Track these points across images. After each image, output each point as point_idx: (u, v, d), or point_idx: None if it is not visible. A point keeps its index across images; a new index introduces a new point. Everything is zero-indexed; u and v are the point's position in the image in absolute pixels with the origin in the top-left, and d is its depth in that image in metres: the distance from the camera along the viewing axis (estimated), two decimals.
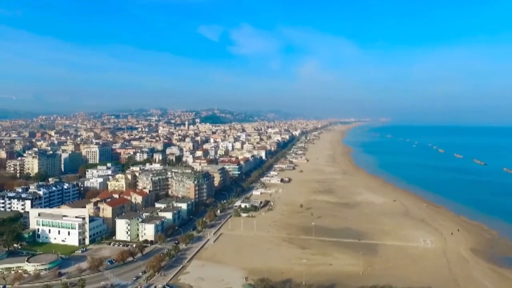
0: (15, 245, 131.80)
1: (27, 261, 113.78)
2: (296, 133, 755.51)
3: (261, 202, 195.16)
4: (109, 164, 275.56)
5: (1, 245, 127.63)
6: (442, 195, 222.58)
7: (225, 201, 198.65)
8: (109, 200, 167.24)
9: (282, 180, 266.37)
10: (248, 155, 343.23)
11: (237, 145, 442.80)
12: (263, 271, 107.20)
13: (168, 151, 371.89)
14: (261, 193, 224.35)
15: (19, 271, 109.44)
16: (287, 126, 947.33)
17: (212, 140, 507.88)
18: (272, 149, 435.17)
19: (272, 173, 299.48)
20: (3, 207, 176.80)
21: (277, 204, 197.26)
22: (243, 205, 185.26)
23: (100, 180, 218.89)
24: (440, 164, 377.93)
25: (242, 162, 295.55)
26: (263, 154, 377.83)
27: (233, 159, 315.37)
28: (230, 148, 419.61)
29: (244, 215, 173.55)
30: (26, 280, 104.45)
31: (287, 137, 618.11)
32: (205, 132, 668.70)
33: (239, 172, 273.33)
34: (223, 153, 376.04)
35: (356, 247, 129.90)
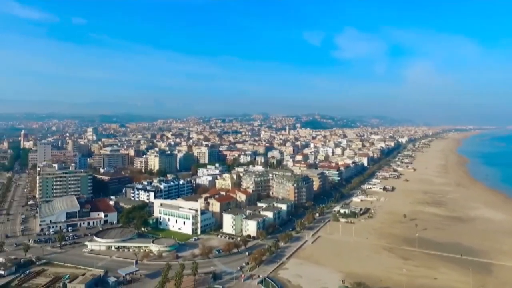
0: (142, 229, 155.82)
1: (152, 242, 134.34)
2: (403, 140, 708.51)
3: (361, 209, 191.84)
4: (217, 164, 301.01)
5: (133, 228, 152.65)
6: None
7: (323, 205, 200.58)
8: (217, 196, 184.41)
9: (384, 189, 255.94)
10: (348, 161, 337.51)
11: (338, 150, 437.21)
12: (360, 276, 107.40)
13: (269, 154, 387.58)
14: (361, 200, 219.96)
15: (146, 250, 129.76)
16: (392, 133, 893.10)
17: (312, 145, 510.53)
18: (375, 156, 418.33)
19: (374, 180, 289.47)
20: (133, 196, 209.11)
21: (378, 212, 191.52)
22: (342, 211, 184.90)
23: (209, 178, 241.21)
24: None
25: (342, 168, 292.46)
26: (365, 160, 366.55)
27: (333, 164, 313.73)
28: (330, 153, 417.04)
29: (342, 220, 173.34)
30: (152, 258, 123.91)
31: (392, 144, 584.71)
32: (305, 137, 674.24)
33: (339, 178, 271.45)
34: (323, 159, 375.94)
35: (466, 264, 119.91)
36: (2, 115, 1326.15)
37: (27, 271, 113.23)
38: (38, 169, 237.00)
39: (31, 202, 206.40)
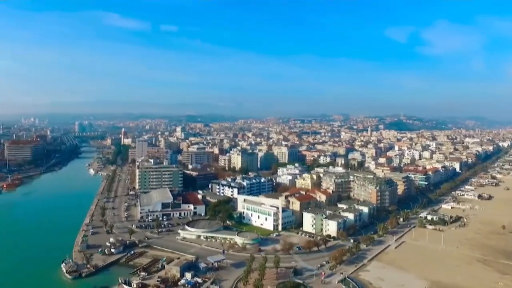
0: (227, 222, 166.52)
1: (237, 235, 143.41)
2: (504, 144, 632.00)
3: (451, 217, 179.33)
4: (296, 164, 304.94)
5: (219, 220, 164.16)
6: None
7: (408, 210, 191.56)
8: (297, 195, 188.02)
9: (479, 196, 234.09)
10: (438, 166, 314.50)
11: (426, 154, 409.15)
12: (448, 286, 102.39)
13: (350, 156, 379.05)
14: (451, 208, 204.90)
15: (232, 242, 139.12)
16: (491, 136, 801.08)
17: (396, 147, 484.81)
18: (470, 161, 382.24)
19: (467, 187, 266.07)
20: (218, 191, 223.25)
21: (471, 221, 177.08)
22: (429, 217, 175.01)
23: (289, 177, 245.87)
24: None
25: (430, 173, 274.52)
26: (457, 165, 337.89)
27: (420, 168, 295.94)
28: (416, 157, 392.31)
29: (430, 227, 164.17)
30: (237, 250, 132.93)
31: (491, 148, 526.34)
32: (389, 139, 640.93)
33: (426, 183, 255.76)
34: (409, 162, 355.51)
35: None
36: (106, 114, 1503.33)
37: (132, 251, 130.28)
38: (137, 163, 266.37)
39: (131, 192, 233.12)
